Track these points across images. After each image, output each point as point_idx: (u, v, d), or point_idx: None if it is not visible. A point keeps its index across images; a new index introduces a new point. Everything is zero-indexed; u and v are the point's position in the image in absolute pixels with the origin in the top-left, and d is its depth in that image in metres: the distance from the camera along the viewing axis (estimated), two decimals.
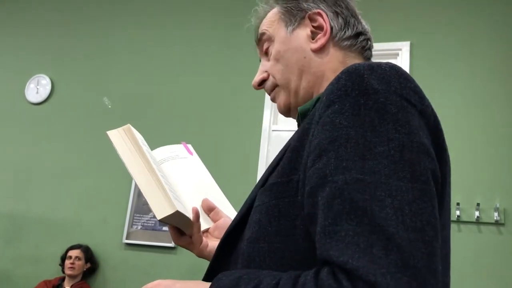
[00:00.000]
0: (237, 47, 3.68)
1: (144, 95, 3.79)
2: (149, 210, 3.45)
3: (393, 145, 0.55)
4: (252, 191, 0.73)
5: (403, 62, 3.13)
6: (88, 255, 3.40)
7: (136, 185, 3.47)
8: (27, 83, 4.13)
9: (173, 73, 3.79)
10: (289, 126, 3.31)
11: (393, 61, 3.13)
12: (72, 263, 3.29)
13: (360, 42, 0.85)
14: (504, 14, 3.10)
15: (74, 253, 3.34)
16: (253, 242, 0.65)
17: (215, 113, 3.57)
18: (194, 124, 3.56)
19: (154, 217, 3.39)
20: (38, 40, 4.27)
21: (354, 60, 0.83)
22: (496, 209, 2.71)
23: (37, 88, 4.10)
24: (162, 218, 0.81)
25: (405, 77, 0.61)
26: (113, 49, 4.03)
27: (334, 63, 0.82)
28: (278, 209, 0.63)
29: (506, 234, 2.73)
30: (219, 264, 0.73)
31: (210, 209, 1.00)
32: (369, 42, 0.87)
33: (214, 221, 0.99)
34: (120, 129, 0.92)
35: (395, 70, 0.61)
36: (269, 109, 3.43)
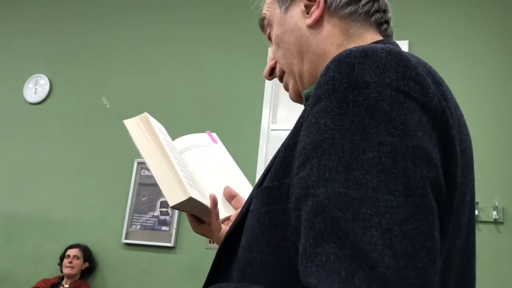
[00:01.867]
0: (236, 46, 3.68)
1: (142, 95, 3.79)
2: (148, 210, 3.45)
3: (385, 150, 0.47)
4: (251, 191, 0.68)
5: None
6: (87, 254, 3.39)
7: (135, 184, 3.50)
8: (26, 83, 4.12)
9: (172, 73, 3.79)
10: (288, 126, 3.30)
11: None
12: (71, 262, 3.29)
13: (362, 7, 0.74)
14: (503, 13, 3.10)
15: (72, 252, 3.34)
16: (246, 251, 0.60)
17: (213, 112, 3.57)
18: (193, 124, 3.56)
19: (154, 216, 3.39)
20: (36, 40, 4.27)
21: (358, 31, 0.74)
22: (495, 208, 2.72)
23: (36, 88, 4.09)
24: (175, 205, 0.80)
25: (404, 64, 0.52)
26: (112, 48, 4.02)
27: (336, 37, 0.73)
28: (269, 217, 0.58)
29: (505, 233, 2.73)
30: (219, 270, 0.69)
31: (231, 197, 0.97)
32: (375, 5, 0.76)
33: (236, 208, 0.97)
34: (137, 117, 0.92)
35: (393, 55, 0.53)
36: (268, 108, 3.43)
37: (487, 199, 2.78)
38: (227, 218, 0.96)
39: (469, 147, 0.62)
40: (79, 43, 4.12)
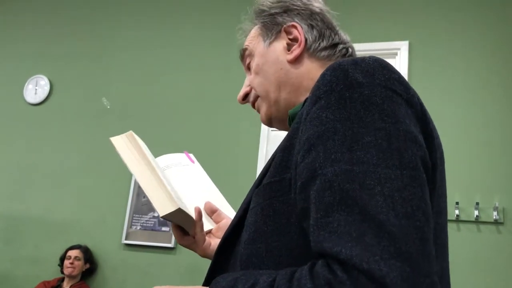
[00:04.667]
0: (236, 48, 3.67)
1: (142, 96, 3.79)
2: (148, 211, 3.45)
3: (380, 134, 0.55)
4: (248, 193, 0.73)
5: (401, 61, 3.13)
6: (87, 255, 3.39)
7: (135, 185, 3.50)
8: (26, 84, 4.12)
9: (172, 74, 3.79)
10: None
11: (391, 60, 3.14)
12: (72, 263, 3.29)
13: (339, 51, 0.86)
14: (503, 14, 3.10)
15: (73, 253, 3.33)
16: (250, 244, 0.65)
17: (214, 113, 3.57)
18: (193, 125, 3.56)
19: (154, 217, 3.39)
20: (36, 41, 4.27)
21: None
22: (495, 208, 2.72)
23: (36, 89, 4.10)
24: (165, 215, 0.84)
25: (389, 69, 0.62)
26: (112, 50, 4.03)
27: (312, 73, 0.83)
28: (273, 208, 0.64)
29: (505, 233, 2.73)
30: (217, 269, 0.73)
31: (212, 211, 1.03)
32: (349, 50, 0.88)
33: (217, 222, 1.02)
34: (123, 135, 0.97)
35: (379, 62, 0.62)
36: None
37: (488, 199, 2.78)
38: (209, 231, 1.01)
39: (440, 144, 0.71)
40: (79, 44, 4.12)
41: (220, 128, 3.50)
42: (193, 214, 0.93)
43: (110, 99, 3.87)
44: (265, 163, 0.71)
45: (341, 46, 0.86)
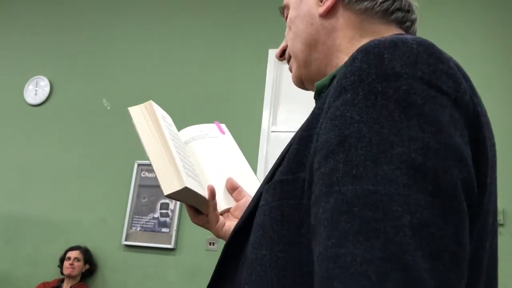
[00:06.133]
0: (237, 48, 3.68)
1: (142, 96, 3.78)
2: (148, 212, 3.45)
3: (416, 146, 0.44)
4: (259, 186, 0.64)
5: None
6: (87, 256, 3.39)
7: (135, 186, 3.50)
8: (26, 85, 4.12)
9: (172, 75, 3.79)
10: (288, 127, 3.30)
11: None
12: (71, 264, 3.29)
13: (379, 4, 0.70)
14: (505, 16, 3.10)
15: (73, 254, 3.33)
16: (256, 248, 0.56)
17: (213, 113, 3.56)
18: (193, 124, 3.56)
19: (154, 218, 3.38)
20: (36, 41, 4.27)
21: (375, 26, 0.70)
22: None
23: (36, 90, 4.10)
24: (169, 194, 0.79)
25: (436, 56, 0.50)
26: (112, 50, 4.03)
27: (348, 30, 0.70)
28: (281, 212, 0.55)
29: (506, 235, 2.73)
30: (225, 268, 0.65)
31: (233, 189, 0.95)
32: (396, 3, 0.72)
33: (237, 201, 0.95)
34: (141, 105, 0.91)
35: (425, 47, 0.50)
36: (268, 109, 3.43)
37: None
38: (227, 210, 0.94)
39: (494, 145, 0.60)
40: (80, 44, 4.12)
41: None
42: (206, 192, 0.88)
43: (110, 100, 3.87)
44: (267, 164, 0.61)
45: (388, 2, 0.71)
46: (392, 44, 0.49)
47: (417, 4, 0.78)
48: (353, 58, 0.51)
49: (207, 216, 0.90)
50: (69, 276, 3.29)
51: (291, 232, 0.53)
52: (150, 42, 3.94)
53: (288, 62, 0.80)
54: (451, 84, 0.49)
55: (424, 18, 3.39)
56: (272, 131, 3.39)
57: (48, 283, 3.38)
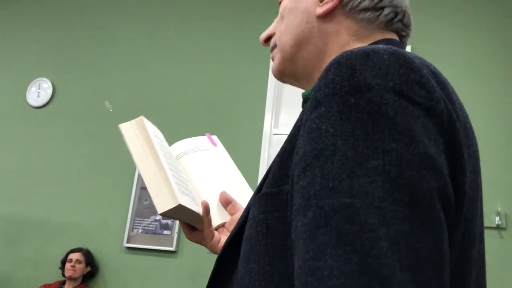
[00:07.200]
0: (238, 50, 3.68)
1: (145, 99, 3.79)
2: (150, 214, 3.45)
3: (389, 158, 0.44)
4: (250, 198, 0.64)
5: None
6: (89, 258, 3.39)
7: (137, 188, 3.50)
8: (29, 87, 4.13)
9: (174, 77, 3.79)
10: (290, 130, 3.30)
11: None
12: (73, 266, 3.28)
13: (384, 16, 0.68)
14: (506, 17, 3.10)
15: (74, 256, 3.33)
16: (244, 262, 0.56)
17: (216, 116, 3.57)
18: (195, 128, 3.56)
19: (156, 220, 3.39)
20: (39, 43, 4.28)
21: (371, 34, 0.69)
22: (498, 214, 2.71)
23: (38, 92, 4.10)
24: (164, 212, 0.78)
25: (408, 66, 0.50)
26: (115, 52, 4.04)
27: (342, 36, 0.69)
28: (267, 225, 0.55)
29: (508, 238, 2.72)
30: (218, 281, 0.65)
31: (227, 202, 0.94)
32: (399, 15, 0.70)
33: (231, 214, 0.94)
34: (132, 121, 0.90)
35: (396, 57, 0.50)
36: (270, 112, 3.43)
37: (490, 204, 2.77)
38: (222, 225, 0.93)
39: (476, 151, 0.59)
40: (82, 46, 4.13)
41: (222, 131, 3.50)
42: (200, 209, 0.87)
43: (112, 102, 3.87)
44: (269, 166, 0.61)
45: (388, 9, 0.69)
46: (364, 55, 0.50)
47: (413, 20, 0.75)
48: (326, 71, 0.51)
49: (202, 232, 0.89)
50: (71, 278, 3.29)
51: (276, 245, 0.53)
52: (152, 45, 3.94)
53: (272, 50, 0.78)
54: (423, 93, 0.49)
55: (424, 17, 3.33)
56: (274, 134, 3.39)
57: (49, 285, 3.38)
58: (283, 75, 0.77)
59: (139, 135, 0.87)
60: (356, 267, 0.40)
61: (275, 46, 0.77)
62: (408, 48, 3.13)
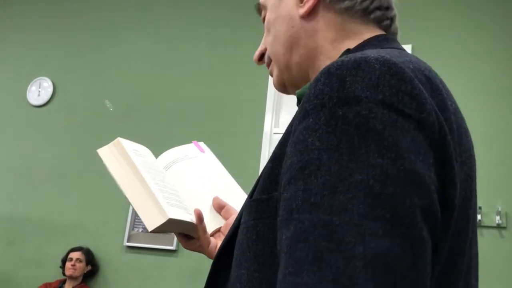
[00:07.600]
0: (238, 50, 3.68)
1: (145, 98, 3.80)
2: None
3: (374, 173, 0.44)
4: (244, 203, 0.64)
5: None
6: (89, 257, 3.40)
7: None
8: (29, 86, 4.14)
9: (175, 77, 3.79)
10: None
11: None
12: (73, 265, 3.29)
13: (359, 3, 0.68)
14: (506, 18, 3.10)
15: (75, 255, 3.34)
16: (236, 266, 0.57)
17: (216, 116, 3.57)
18: (195, 127, 3.56)
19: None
20: (40, 42, 4.28)
21: (356, 27, 0.69)
22: (498, 213, 2.71)
23: (39, 91, 4.11)
24: (154, 229, 0.78)
25: (399, 77, 0.48)
26: (115, 52, 4.04)
27: (329, 32, 0.69)
28: (256, 231, 0.55)
29: (508, 238, 2.72)
30: (214, 285, 0.65)
31: (221, 207, 0.94)
32: (375, 2, 0.70)
33: (226, 219, 0.94)
34: (110, 144, 0.89)
35: (388, 67, 0.49)
36: (271, 112, 3.43)
37: (490, 204, 2.77)
38: (218, 230, 0.93)
39: (471, 156, 0.58)
40: (83, 46, 4.14)
41: (222, 130, 3.50)
42: (193, 217, 0.87)
43: (113, 101, 3.88)
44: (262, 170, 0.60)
45: None
46: (355, 65, 0.49)
47: (397, 2, 0.75)
48: (316, 80, 0.50)
49: (198, 240, 0.89)
50: (71, 277, 3.29)
51: (265, 252, 0.53)
52: (153, 44, 3.94)
53: (268, 66, 0.78)
54: (414, 105, 0.48)
55: (425, 17, 3.33)
56: (274, 133, 3.39)
57: (50, 284, 3.38)
58: (284, 86, 0.76)
59: (118, 158, 0.87)
60: (330, 286, 0.40)
61: (270, 61, 0.77)
62: (409, 48, 3.13)
